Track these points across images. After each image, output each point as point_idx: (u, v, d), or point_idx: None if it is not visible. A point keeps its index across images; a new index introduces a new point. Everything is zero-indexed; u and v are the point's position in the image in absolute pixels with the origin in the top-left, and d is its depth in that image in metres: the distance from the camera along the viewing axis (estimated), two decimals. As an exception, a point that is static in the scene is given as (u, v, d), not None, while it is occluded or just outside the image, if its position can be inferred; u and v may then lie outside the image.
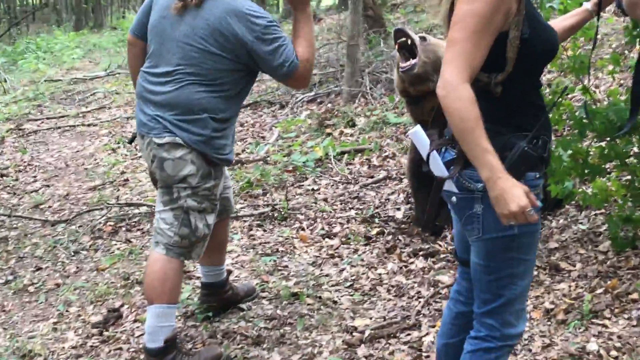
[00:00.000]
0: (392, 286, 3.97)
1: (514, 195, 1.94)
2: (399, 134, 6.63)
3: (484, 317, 2.29)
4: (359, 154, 6.30)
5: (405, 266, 4.19)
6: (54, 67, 14.61)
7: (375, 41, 9.26)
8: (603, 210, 4.29)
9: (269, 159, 6.44)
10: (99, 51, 17.61)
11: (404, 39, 4.00)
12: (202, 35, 3.00)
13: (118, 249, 4.83)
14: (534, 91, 2.21)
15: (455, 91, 1.95)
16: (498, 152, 1.99)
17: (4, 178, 6.71)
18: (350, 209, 5.18)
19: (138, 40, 3.32)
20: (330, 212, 5.14)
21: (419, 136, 2.27)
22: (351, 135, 6.90)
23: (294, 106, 8.38)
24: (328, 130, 7.09)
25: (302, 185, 5.77)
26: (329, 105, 8.06)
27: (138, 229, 5.16)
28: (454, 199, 2.23)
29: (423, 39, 4.04)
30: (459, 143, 2.03)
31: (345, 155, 6.31)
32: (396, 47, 4.03)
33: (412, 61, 3.98)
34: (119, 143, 7.73)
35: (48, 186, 6.47)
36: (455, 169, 2.14)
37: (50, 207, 5.86)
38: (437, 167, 2.20)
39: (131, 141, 3.60)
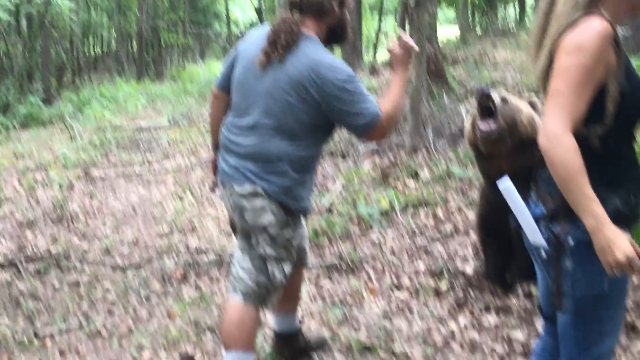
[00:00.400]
0: (465, 341, 3.93)
1: (620, 244, 1.96)
2: (465, 187, 6.61)
3: None
4: (425, 207, 6.29)
5: (478, 321, 4.14)
6: (118, 115, 14.98)
7: (438, 95, 9.32)
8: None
9: (333, 209, 6.47)
10: (161, 100, 18.02)
11: (486, 100, 3.94)
12: (285, 88, 3.06)
13: (188, 295, 4.88)
14: (629, 146, 2.22)
15: (560, 141, 1.99)
16: None
17: (75, 223, 6.85)
18: (418, 261, 5.16)
19: (223, 93, 3.40)
20: (398, 264, 5.12)
21: (510, 190, 2.26)
22: (415, 188, 6.90)
23: (355, 157, 8.44)
24: (391, 182, 7.11)
25: (368, 236, 5.77)
26: (392, 157, 8.09)
27: (207, 276, 5.21)
28: (543, 254, 2.23)
29: (504, 100, 3.98)
30: (563, 192, 2.03)
31: (411, 208, 6.31)
32: (477, 105, 4.00)
33: (492, 127, 3.89)
34: (185, 190, 7.86)
35: (117, 232, 6.59)
36: (563, 228, 2.15)
37: (120, 252, 5.96)
38: (534, 230, 2.23)
39: (212, 189, 3.66)
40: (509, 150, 3.95)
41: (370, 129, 3.10)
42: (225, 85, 3.37)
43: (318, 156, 3.31)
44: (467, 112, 8.72)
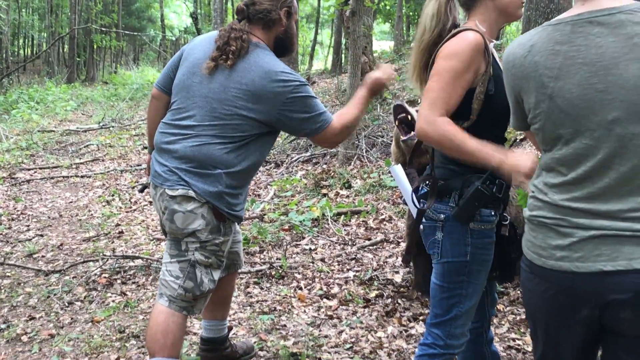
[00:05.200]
0: (393, 350, 3.93)
1: (521, 164, 2.23)
2: (396, 197, 6.65)
3: (433, 327, 2.65)
4: (356, 216, 6.31)
5: (406, 330, 4.16)
6: (46, 117, 14.63)
7: (371, 105, 9.36)
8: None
9: (265, 216, 6.42)
10: (92, 104, 17.69)
11: (403, 114, 4.00)
12: (235, 94, 3.01)
13: (113, 301, 4.76)
14: (496, 142, 2.51)
15: (434, 122, 2.33)
16: (458, 190, 2.48)
17: (-3, 226, 6.65)
18: (348, 270, 5.16)
19: (163, 94, 3.33)
20: (328, 272, 5.11)
21: (398, 173, 2.72)
22: (347, 196, 6.92)
23: (289, 165, 8.42)
24: (324, 191, 7.12)
25: (299, 244, 5.75)
26: (325, 166, 8.10)
27: (133, 282, 5.10)
28: (422, 227, 2.63)
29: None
30: (459, 157, 2.38)
31: (342, 217, 6.31)
32: (396, 122, 4.04)
33: (413, 133, 3.97)
34: (113, 195, 7.70)
35: (41, 236, 6.41)
36: (429, 202, 2.56)
37: (43, 256, 5.79)
38: (411, 203, 2.68)
39: (142, 190, 3.58)
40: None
41: (320, 134, 3.10)
42: (166, 85, 3.30)
43: (256, 167, 3.25)
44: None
